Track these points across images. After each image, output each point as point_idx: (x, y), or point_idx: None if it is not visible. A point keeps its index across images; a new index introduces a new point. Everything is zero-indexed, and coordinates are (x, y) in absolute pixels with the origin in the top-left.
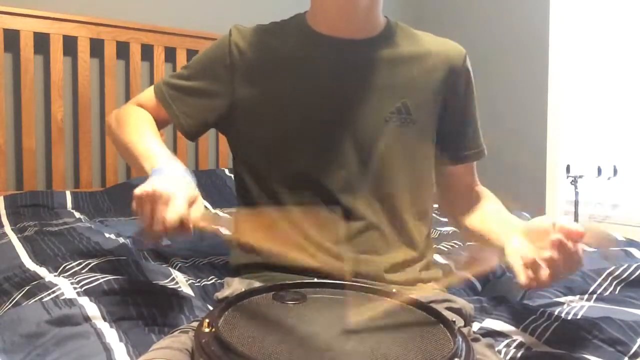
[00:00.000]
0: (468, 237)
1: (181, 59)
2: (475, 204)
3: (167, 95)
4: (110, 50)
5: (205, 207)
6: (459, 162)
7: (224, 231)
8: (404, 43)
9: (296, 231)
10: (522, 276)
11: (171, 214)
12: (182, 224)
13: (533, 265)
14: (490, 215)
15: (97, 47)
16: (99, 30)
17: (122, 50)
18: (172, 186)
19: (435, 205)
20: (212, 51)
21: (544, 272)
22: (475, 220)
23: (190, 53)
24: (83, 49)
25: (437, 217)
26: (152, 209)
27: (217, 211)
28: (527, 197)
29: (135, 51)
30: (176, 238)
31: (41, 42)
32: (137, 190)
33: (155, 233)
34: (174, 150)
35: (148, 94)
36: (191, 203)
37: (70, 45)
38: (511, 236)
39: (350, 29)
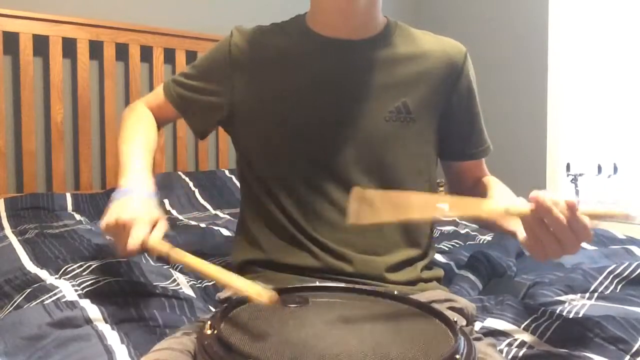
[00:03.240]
0: (480, 225)
1: (180, 60)
2: (486, 192)
3: (175, 93)
4: (109, 52)
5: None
6: (467, 159)
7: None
8: (403, 42)
9: (297, 231)
10: (528, 242)
11: (132, 242)
12: (144, 249)
13: (536, 227)
14: (497, 196)
15: (96, 49)
16: (98, 32)
17: (122, 51)
18: (133, 212)
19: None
20: (214, 52)
21: (549, 236)
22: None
23: (190, 54)
24: (82, 50)
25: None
26: (118, 237)
27: (218, 212)
28: (527, 195)
29: (135, 53)
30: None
31: (40, 44)
32: (103, 223)
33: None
34: (174, 150)
35: (157, 92)
36: (153, 225)
37: (69, 47)
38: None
39: (349, 29)
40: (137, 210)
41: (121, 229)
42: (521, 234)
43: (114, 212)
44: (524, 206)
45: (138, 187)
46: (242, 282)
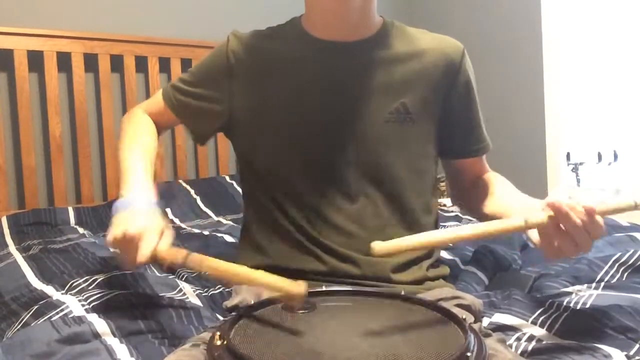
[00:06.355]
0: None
1: (176, 68)
2: (488, 190)
3: (174, 99)
4: (104, 64)
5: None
6: (467, 157)
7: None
8: (399, 42)
9: (302, 235)
10: (543, 245)
11: (142, 254)
12: (156, 259)
13: (552, 231)
14: (505, 196)
15: (91, 62)
16: (92, 44)
17: (116, 63)
18: (140, 224)
19: (442, 201)
20: (211, 58)
21: (565, 239)
22: (492, 204)
23: (185, 62)
24: (77, 64)
25: (442, 212)
26: (126, 250)
27: (220, 219)
28: (528, 187)
29: (130, 63)
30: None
31: (35, 59)
32: (109, 237)
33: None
34: (173, 158)
35: (157, 98)
36: (161, 234)
37: (64, 61)
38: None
39: (345, 31)
40: (143, 222)
41: (129, 243)
42: (534, 236)
43: (120, 226)
44: (542, 216)
45: (140, 198)
46: (272, 278)
